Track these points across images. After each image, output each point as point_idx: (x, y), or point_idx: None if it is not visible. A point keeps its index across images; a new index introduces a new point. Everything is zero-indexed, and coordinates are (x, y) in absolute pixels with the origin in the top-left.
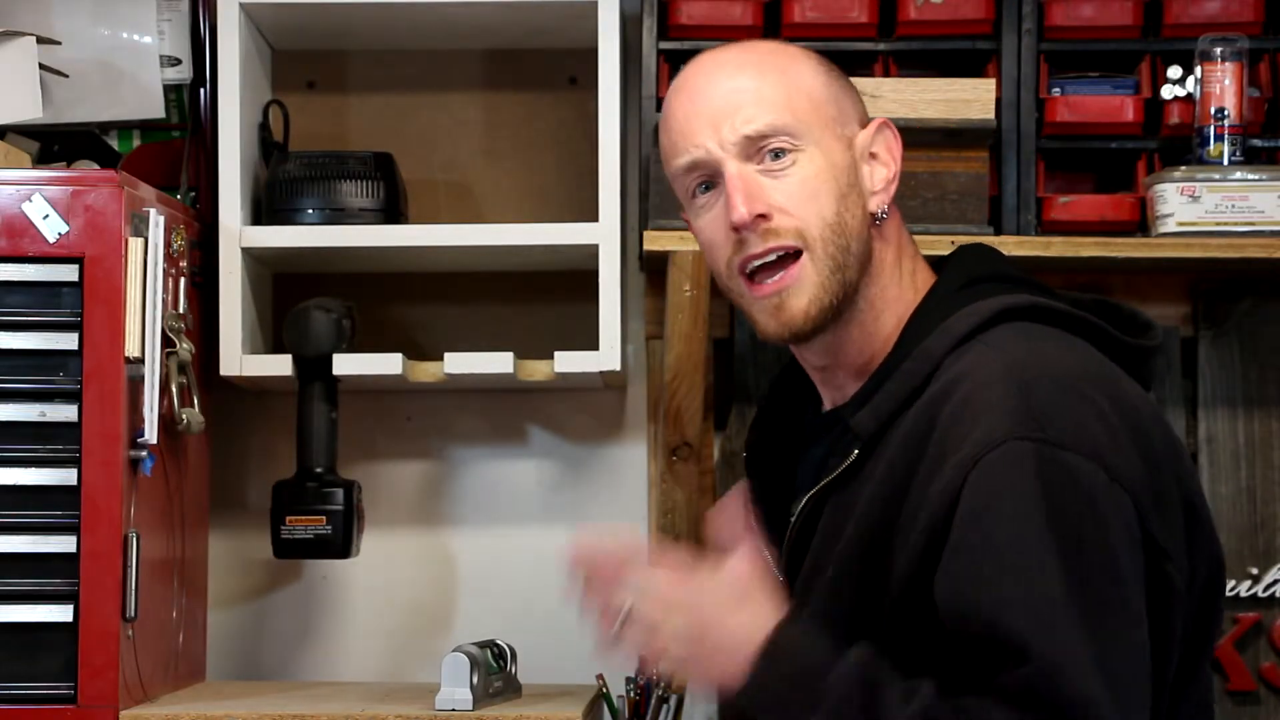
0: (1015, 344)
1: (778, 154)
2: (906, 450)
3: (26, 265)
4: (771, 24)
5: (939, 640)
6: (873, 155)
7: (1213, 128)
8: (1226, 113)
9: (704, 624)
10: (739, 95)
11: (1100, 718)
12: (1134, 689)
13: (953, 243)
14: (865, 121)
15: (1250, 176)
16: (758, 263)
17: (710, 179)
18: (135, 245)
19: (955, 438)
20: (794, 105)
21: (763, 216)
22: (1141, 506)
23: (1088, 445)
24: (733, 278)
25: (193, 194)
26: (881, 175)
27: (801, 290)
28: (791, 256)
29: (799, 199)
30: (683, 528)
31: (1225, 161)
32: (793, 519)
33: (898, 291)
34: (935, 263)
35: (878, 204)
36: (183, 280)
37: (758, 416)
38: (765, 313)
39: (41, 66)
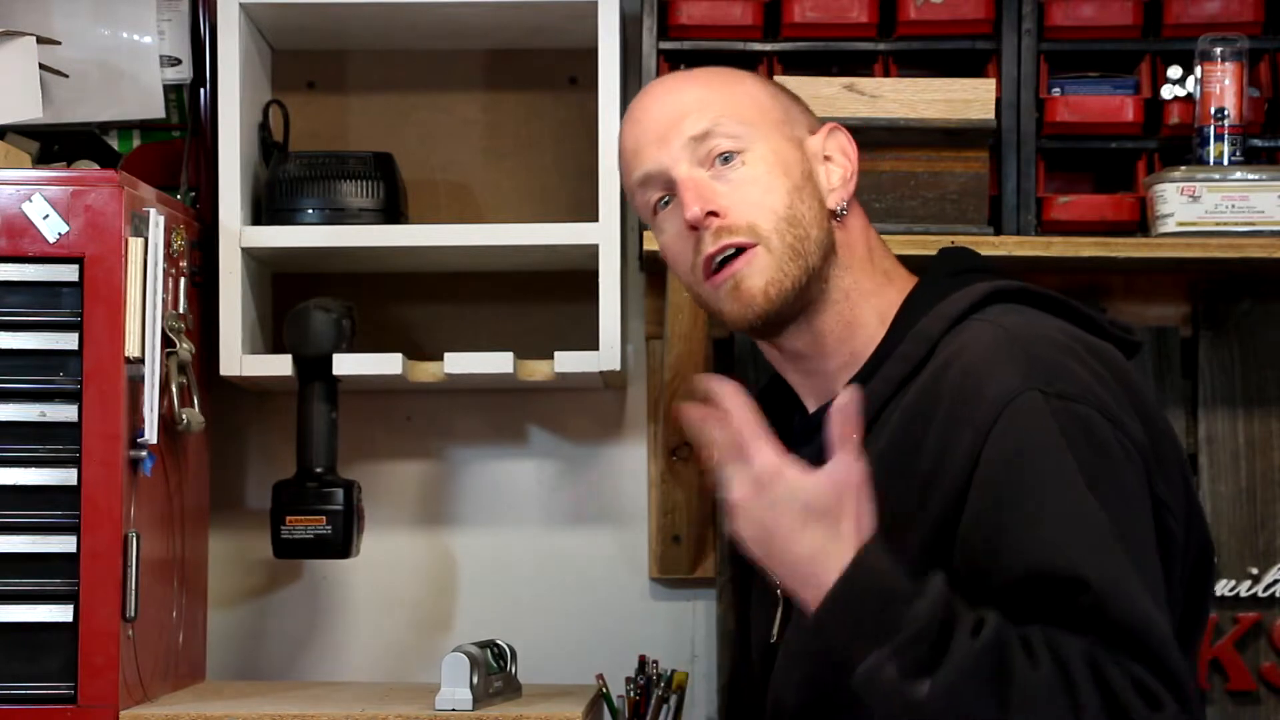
0: (1009, 317)
1: (726, 158)
2: (909, 424)
3: (26, 265)
4: (771, 24)
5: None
6: (827, 158)
7: (1213, 128)
8: (1226, 113)
9: (795, 523)
10: (682, 106)
11: (1160, 636)
12: (1166, 617)
13: (952, 242)
14: (816, 131)
15: (1250, 176)
16: (718, 259)
17: (668, 192)
18: (135, 245)
19: (967, 400)
20: (738, 106)
21: (714, 214)
22: (1146, 458)
23: (1094, 399)
24: (697, 280)
25: (193, 194)
26: (838, 174)
27: (755, 273)
28: (746, 247)
29: (749, 197)
30: (683, 528)
31: (1225, 161)
32: None
33: (873, 285)
34: (918, 269)
35: (836, 200)
36: (183, 280)
37: None
38: (726, 297)
39: (41, 66)
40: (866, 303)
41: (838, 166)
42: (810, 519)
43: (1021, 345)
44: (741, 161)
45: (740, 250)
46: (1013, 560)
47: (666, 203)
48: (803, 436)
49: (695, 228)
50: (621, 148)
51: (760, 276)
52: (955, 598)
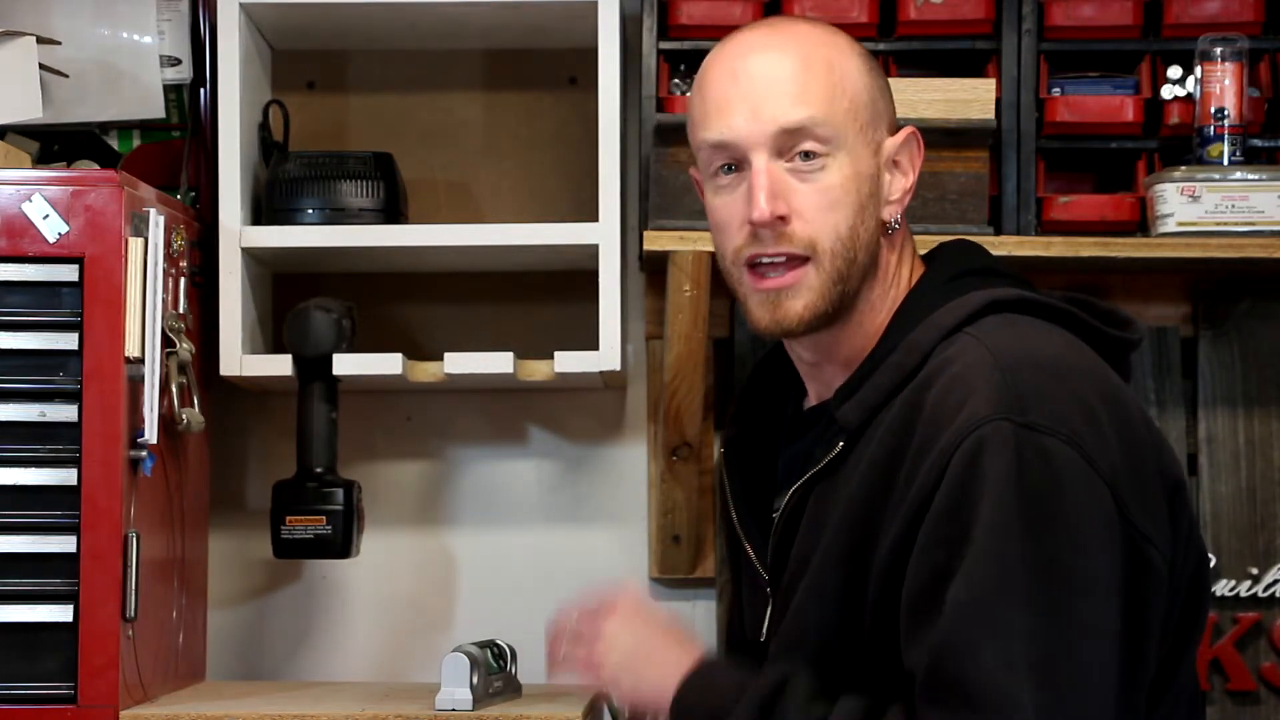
0: (1002, 333)
1: (808, 155)
2: (892, 438)
3: (26, 265)
4: None
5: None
6: (895, 163)
7: (1213, 128)
8: (1226, 113)
9: (646, 641)
10: (781, 82)
11: (992, 696)
12: (1080, 683)
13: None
14: (894, 124)
15: (1250, 176)
16: (766, 260)
17: (735, 161)
18: (135, 245)
19: (942, 420)
20: (834, 105)
21: (782, 219)
22: (1118, 492)
23: (1065, 431)
24: (737, 266)
25: (193, 194)
26: (900, 185)
27: (799, 294)
28: (798, 260)
29: (819, 207)
30: (683, 528)
31: (1225, 161)
32: (777, 514)
33: (895, 291)
34: (924, 257)
35: (891, 214)
36: (183, 280)
37: (736, 412)
38: (761, 305)
39: (41, 66)
40: (884, 309)
41: (902, 175)
42: (675, 636)
43: (1003, 368)
44: (822, 165)
45: (790, 260)
46: (924, 604)
47: (730, 169)
48: (794, 430)
49: (757, 225)
50: (705, 88)
51: (801, 299)
52: (785, 694)
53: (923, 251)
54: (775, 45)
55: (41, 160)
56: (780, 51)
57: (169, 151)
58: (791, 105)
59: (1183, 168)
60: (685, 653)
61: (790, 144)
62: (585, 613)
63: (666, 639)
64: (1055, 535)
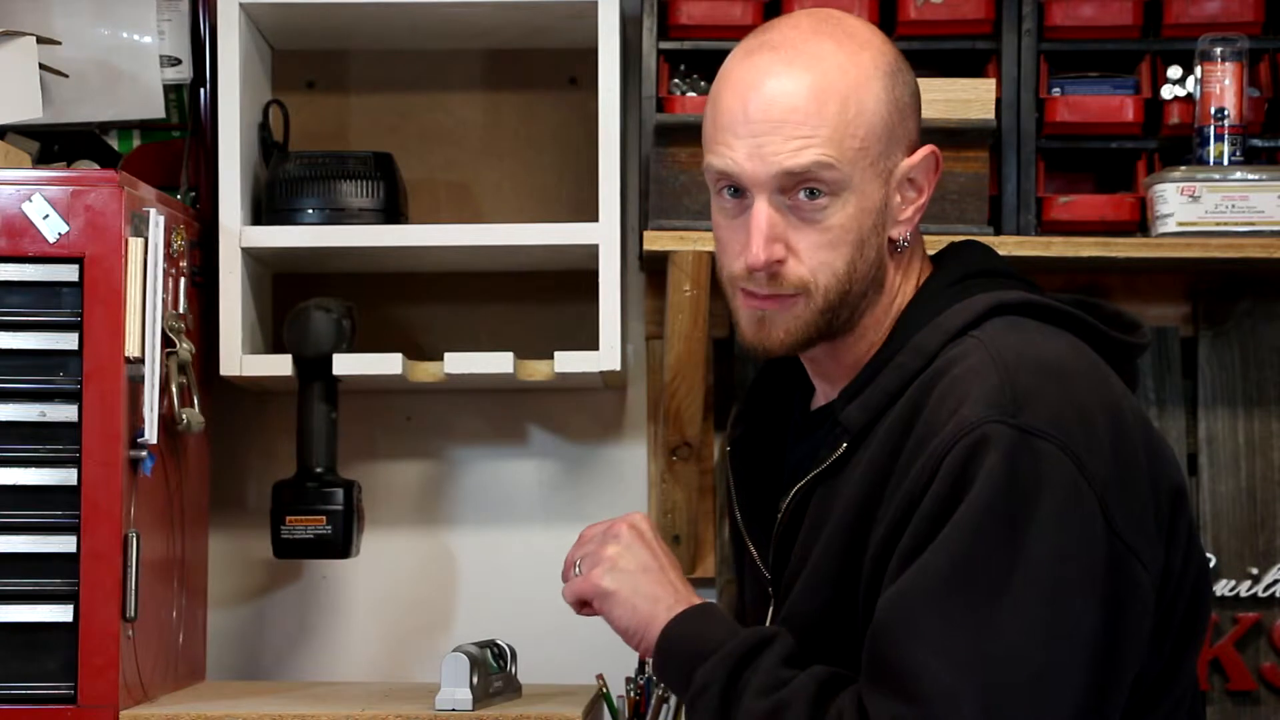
0: (1005, 336)
1: (812, 192)
2: (892, 439)
3: (26, 265)
4: None
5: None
6: (910, 180)
7: (1213, 128)
8: (1226, 113)
9: (646, 572)
10: (789, 121)
11: (922, 687)
12: (1037, 684)
13: (951, 242)
14: (914, 141)
15: (1250, 176)
16: (759, 296)
17: (737, 188)
18: (135, 245)
19: (938, 421)
20: (843, 145)
21: (779, 261)
22: (1106, 501)
23: (1059, 435)
24: (730, 284)
25: (193, 194)
26: (912, 204)
27: (782, 321)
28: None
29: (817, 246)
30: (683, 528)
31: (1225, 161)
32: (780, 513)
33: (900, 298)
34: (934, 258)
35: (900, 233)
36: (183, 280)
37: (743, 411)
38: (747, 322)
39: (41, 66)
40: (885, 316)
41: (915, 192)
42: (676, 575)
43: (1002, 371)
44: (825, 205)
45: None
46: (888, 610)
47: (734, 192)
48: (801, 431)
49: (752, 270)
50: (717, 105)
51: (783, 326)
52: (762, 655)
53: (931, 251)
54: (791, 73)
55: (41, 160)
56: (795, 83)
57: (169, 151)
58: (797, 149)
59: (1183, 168)
60: (681, 593)
61: (793, 183)
62: (589, 537)
63: (665, 575)
64: (1033, 538)
